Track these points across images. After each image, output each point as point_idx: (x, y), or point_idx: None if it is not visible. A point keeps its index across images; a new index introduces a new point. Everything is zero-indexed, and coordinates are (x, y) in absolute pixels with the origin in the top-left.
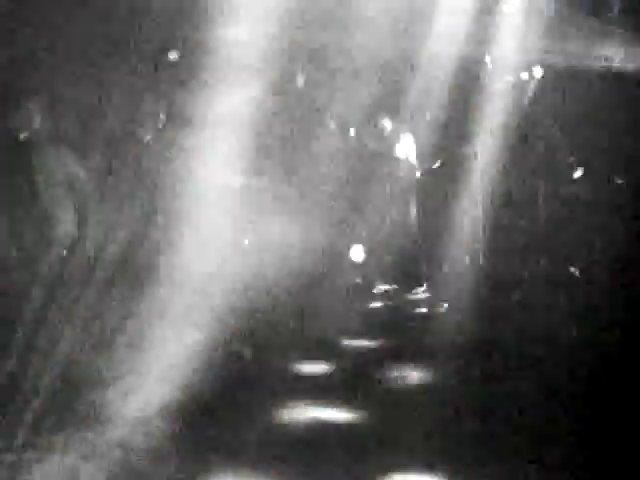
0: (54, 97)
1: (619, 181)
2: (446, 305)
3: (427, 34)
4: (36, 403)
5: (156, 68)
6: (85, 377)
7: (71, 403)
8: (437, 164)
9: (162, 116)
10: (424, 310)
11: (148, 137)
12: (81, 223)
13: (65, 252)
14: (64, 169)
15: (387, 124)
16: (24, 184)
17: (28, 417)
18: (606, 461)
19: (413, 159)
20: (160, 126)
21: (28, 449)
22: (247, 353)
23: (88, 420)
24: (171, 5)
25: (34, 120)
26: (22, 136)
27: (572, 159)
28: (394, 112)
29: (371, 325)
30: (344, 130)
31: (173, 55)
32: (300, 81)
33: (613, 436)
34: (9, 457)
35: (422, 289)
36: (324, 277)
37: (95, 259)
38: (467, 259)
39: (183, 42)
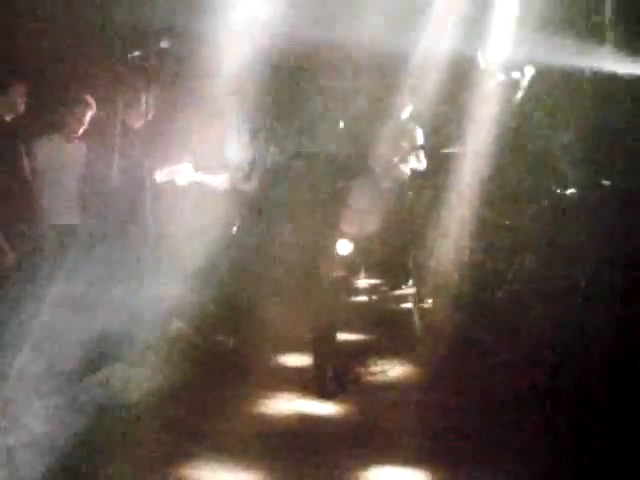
0: (41, 83)
1: (609, 181)
2: (431, 300)
3: (420, 32)
4: None
5: (147, 56)
6: None
7: None
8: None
9: (151, 105)
10: (409, 305)
11: (137, 125)
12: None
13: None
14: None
15: (378, 119)
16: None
17: None
18: None
19: None
20: (149, 115)
21: None
22: (230, 345)
23: None
24: None
25: (19, 105)
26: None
27: (562, 158)
28: (384, 108)
29: (355, 319)
30: (336, 124)
31: (164, 44)
32: (293, 75)
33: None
34: None
35: (408, 284)
36: (309, 269)
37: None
38: (453, 255)
39: (174, 31)
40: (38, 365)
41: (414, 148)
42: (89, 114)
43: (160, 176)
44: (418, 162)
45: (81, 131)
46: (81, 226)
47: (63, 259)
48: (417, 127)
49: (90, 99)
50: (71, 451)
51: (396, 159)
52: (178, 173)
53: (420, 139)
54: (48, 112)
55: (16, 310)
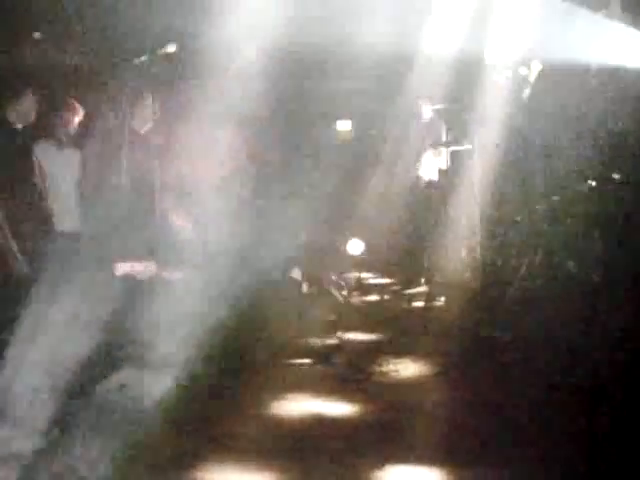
0: (51, 89)
1: (617, 177)
2: (443, 299)
3: (426, 28)
4: None
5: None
6: None
7: None
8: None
9: (157, 109)
10: (421, 304)
11: (143, 129)
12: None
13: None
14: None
15: (386, 119)
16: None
17: None
18: None
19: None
20: (155, 118)
21: None
22: (243, 345)
23: None
24: None
25: (31, 113)
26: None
27: (570, 155)
28: (392, 107)
29: (368, 318)
30: (345, 125)
31: (171, 48)
32: (299, 77)
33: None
34: None
35: (420, 283)
36: (321, 270)
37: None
38: (465, 253)
39: (181, 35)
40: (53, 370)
41: (438, 146)
42: (76, 119)
43: (119, 269)
44: (441, 160)
45: (71, 135)
46: (81, 233)
47: (69, 264)
48: (442, 125)
49: (76, 103)
50: (86, 454)
51: (418, 158)
52: (139, 268)
53: (444, 137)
54: (38, 119)
55: (29, 315)
